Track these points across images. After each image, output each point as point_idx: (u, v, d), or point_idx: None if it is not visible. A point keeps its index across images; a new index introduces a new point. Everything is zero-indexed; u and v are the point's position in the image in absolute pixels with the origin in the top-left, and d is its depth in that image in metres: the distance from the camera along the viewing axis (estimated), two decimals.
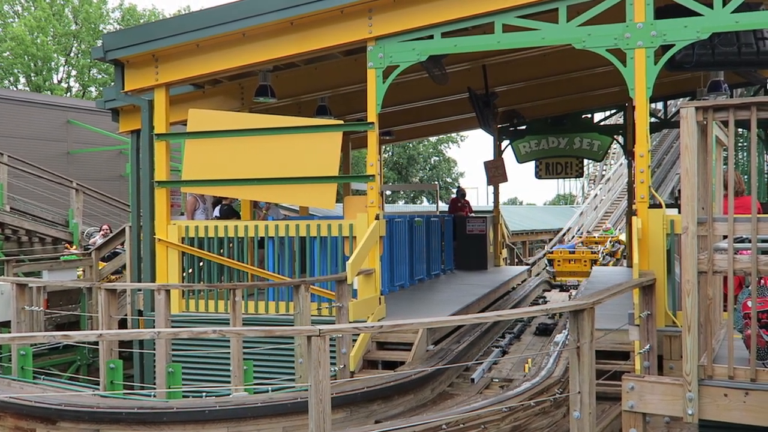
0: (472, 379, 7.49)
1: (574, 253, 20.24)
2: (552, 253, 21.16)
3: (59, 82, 38.98)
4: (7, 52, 35.94)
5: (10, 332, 8.69)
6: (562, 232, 28.94)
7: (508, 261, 18.48)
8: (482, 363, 8.05)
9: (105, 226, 15.18)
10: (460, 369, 7.84)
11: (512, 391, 6.42)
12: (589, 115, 16.27)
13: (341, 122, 9.43)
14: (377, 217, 8.21)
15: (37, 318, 8.98)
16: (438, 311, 9.24)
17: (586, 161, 17.95)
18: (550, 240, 29.68)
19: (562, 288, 16.82)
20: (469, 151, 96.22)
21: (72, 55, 39.00)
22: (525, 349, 9.04)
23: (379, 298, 8.40)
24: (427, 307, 9.78)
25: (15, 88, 36.11)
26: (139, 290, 9.98)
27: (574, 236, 27.89)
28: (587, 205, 32.36)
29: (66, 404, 6.09)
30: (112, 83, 10.20)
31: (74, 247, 14.90)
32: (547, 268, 20.21)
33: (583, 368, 4.52)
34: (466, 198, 16.98)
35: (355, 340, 7.79)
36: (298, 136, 8.63)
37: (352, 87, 11.68)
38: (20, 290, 8.44)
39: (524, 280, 15.21)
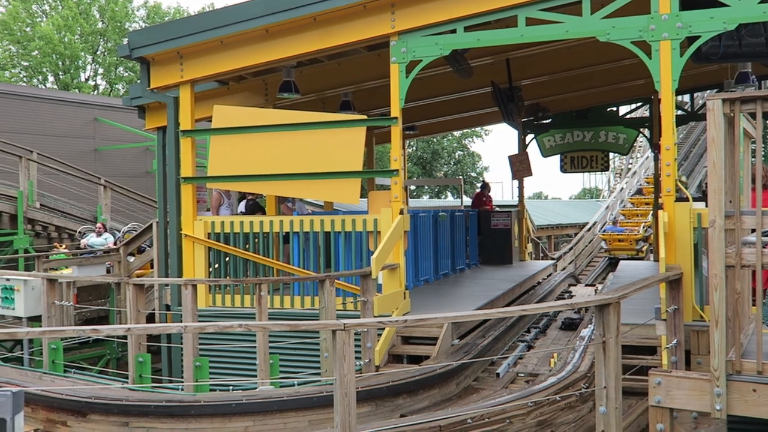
0: (498, 374, 7.47)
1: (622, 233, 25.60)
2: (605, 233, 26.37)
3: (86, 80, 39.48)
4: (36, 51, 36.49)
5: (41, 326, 8.85)
6: (587, 227, 28.73)
7: (534, 255, 18.40)
8: (507, 357, 8.03)
9: (99, 225, 15.20)
10: (486, 363, 7.83)
11: (538, 386, 6.39)
12: (614, 108, 16.09)
13: (365, 117, 9.46)
14: (401, 212, 8.22)
15: (67, 312, 9.14)
16: (463, 306, 9.23)
17: (611, 155, 17.79)
18: (576, 234, 29.46)
19: (601, 278, 17.02)
20: (494, 145, 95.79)
21: (99, 53, 39.49)
22: (550, 344, 9.00)
23: (404, 293, 8.41)
24: (452, 301, 9.77)
25: (44, 87, 36.65)
26: (167, 285, 10.09)
27: (617, 210, 29.85)
28: (613, 198, 32.04)
29: (96, 397, 6.19)
30: (138, 81, 10.31)
31: (64, 246, 14.97)
32: (602, 244, 26.22)
33: (609, 363, 4.50)
34: (490, 192, 16.92)
35: (380, 335, 7.81)
36: (322, 131, 8.66)
37: (375, 82, 11.69)
38: (50, 285, 8.59)
39: (550, 275, 15.12)
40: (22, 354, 10.32)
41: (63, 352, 8.35)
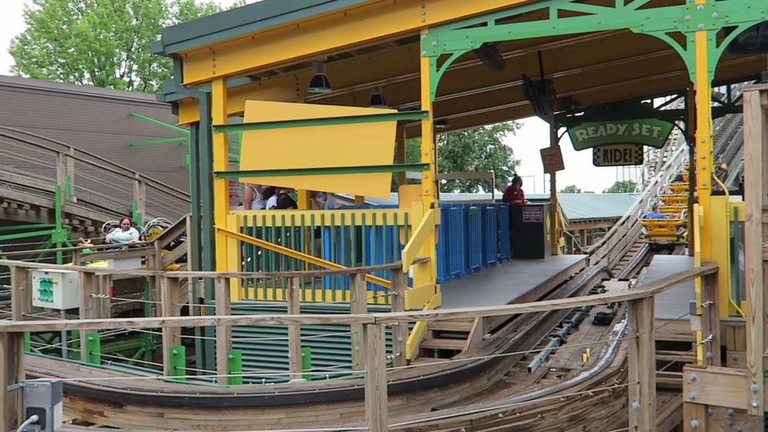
0: (529, 369, 7.44)
1: (663, 219, 26.20)
2: (645, 219, 26.88)
3: (121, 76, 40.06)
4: (72, 49, 37.12)
5: (78, 319, 9.03)
6: (621, 220, 28.42)
7: (566, 250, 18.23)
8: (539, 352, 7.99)
9: (126, 220, 15.22)
10: (517, 358, 7.80)
11: (570, 381, 6.35)
12: (649, 101, 15.85)
13: (395, 111, 9.45)
14: (432, 206, 8.21)
15: (104, 305, 9.31)
16: (494, 300, 9.20)
17: (645, 148, 17.54)
18: (609, 228, 29.15)
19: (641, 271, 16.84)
20: (526, 138, 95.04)
21: (133, 49, 40.02)
22: (583, 339, 8.93)
23: (435, 287, 8.41)
24: (483, 295, 9.75)
25: (80, 84, 37.28)
26: (200, 279, 10.22)
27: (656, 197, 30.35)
28: (647, 192, 31.59)
29: (132, 388, 6.30)
30: (172, 77, 10.44)
31: (89, 240, 15.06)
32: (642, 230, 26.76)
33: (642, 358, 4.45)
34: (521, 186, 16.80)
35: (411, 329, 7.82)
36: (352, 125, 8.68)
37: (406, 76, 11.67)
38: (87, 279, 8.75)
39: (582, 269, 14.98)
40: (61, 345, 10.54)
41: (100, 344, 8.51)
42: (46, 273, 10.49)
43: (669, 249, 25.10)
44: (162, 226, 15.48)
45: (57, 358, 8.85)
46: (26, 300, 9.79)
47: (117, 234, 14.66)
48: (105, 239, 14.82)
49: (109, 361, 8.82)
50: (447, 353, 7.85)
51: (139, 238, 14.62)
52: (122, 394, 6.26)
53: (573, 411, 5.68)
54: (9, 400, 3.85)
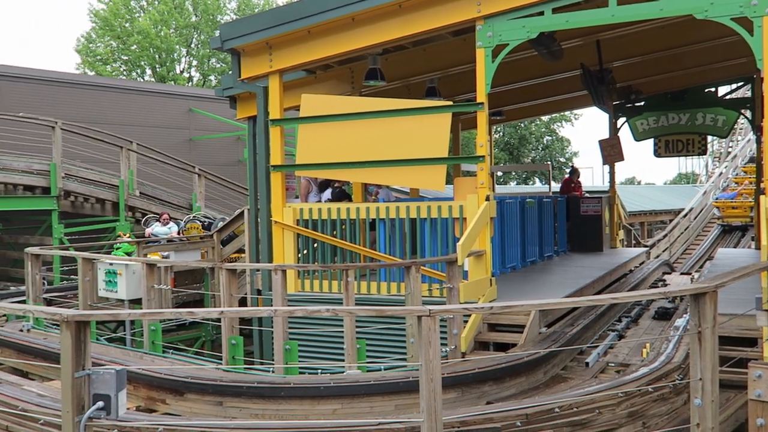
0: (587, 363, 7.33)
1: (734, 200, 26.00)
2: (717, 200, 26.87)
3: (181, 72, 40.94)
4: (135, 46, 38.11)
5: (141, 309, 9.29)
6: (683, 213, 27.69)
7: (625, 243, 17.86)
8: (597, 346, 7.86)
9: (165, 215, 15.34)
10: (574, 352, 7.69)
11: (629, 376, 6.24)
12: (713, 89, 15.36)
13: (450, 103, 9.41)
14: (487, 198, 8.16)
15: (165, 296, 9.55)
16: (551, 293, 9.09)
17: (709, 138, 17.02)
18: (671, 221, 28.42)
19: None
20: (584, 129, 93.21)
21: (193, 46, 40.84)
22: (643, 334, 8.74)
23: (490, 280, 8.35)
24: (540, 289, 9.64)
25: (142, 80, 38.26)
26: (258, 270, 10.38)
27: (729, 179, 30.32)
28: (711, 183, 30.67)
29: (192, 377, 6.46)
30: (230, 72, 10.61)
31: (127, 234, 15.25)
32: (714, 212, 27.01)
33: (705, 354, 4.34)
34: (579, 178, 16.52)
35: (466, 322, 7.80)
36: (407, 118, 8.67)
37: (461, 67, 11.60)
38: (150, 270, 9.00)
39: (642, 263, 14.66)
40: (125, 335, 10.88)
41: (162, 334, 8.75)
42: (111, 264, 10.82)
43: (742, 230, 24.76)
44: (200, 221, 15.64)
45: (121, 347, 9.13)
46: (92, 290, 10.12)
47: (156, 228, 14.83)
48: (145, 233, 15.04)
49: (171, 351, 9.05)
50: (502, 347, 7.80)
51: (178, 233, 14.73)
52: (183, 382, 6.42)
53: (632, 407, 5.58)
54: (77, 386, 4.00)
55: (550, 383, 6.83)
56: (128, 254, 13.95)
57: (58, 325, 5.10)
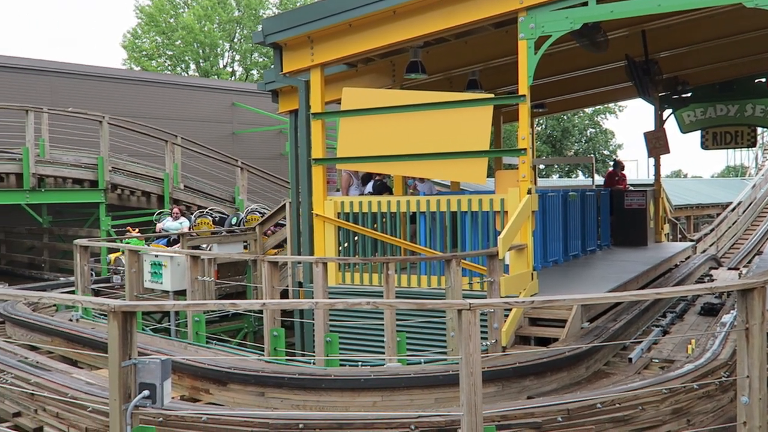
0: (630, 359, 7.23)
1: None
2: None
3: (224, 66, 41.42)
4: (179, 41, 38.69)
5: (185, 300, 9.46)
6: (731, 206, 27.00)
7: (671, 237, 17.53)
8: (641, 342, 7.75)
9: (176, 210, 15.24)
10: (617, 348, 7.59)
11: (673, 373, 6.14)
12: (763, 79, 14.94)
13: (492, 96, 9.34)
14: (529, 192, 8.09)
15: (209, 287, 9.71)
16: (593, 288, 8.98)
17: (759, 129, 16.58)
18: (718, 215, 27.77)
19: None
20: (628, 121, 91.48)
21: (235, 40, 41.28)
22: (688, 330, 8.59)
23: (532, 274, 8.29)
24: (582, 283, 9.53)
25: (186, 75, 38.83)
26: (299, 263, 10.48)
27: None
28: (761, 176, 29.86)
29: (235, 368, 6.57)
30: (272, 66, 10.70)
31: (136, 230, 15.25)
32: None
33: (752, 351, 4.25)
34: (624, 171, 16.26)
35: (506, 316, 7.76)
36: (448, 111, 8.64)
37: (503, 59, 11.50)
38: (194, 262, 9.15)
39: (688, 258, 14.38)
40: (169, 325, 11.09)
41: (205, 325, 8.89)
42: (156, 256, 11.04)
43: None
44: (212, 215, 15.65)
45: (166, 337, 9.32)
46: (138, 281, 10.35)
47: (167, 223, 14.79)
48: (155, 228, 14.95)
49: (214, 341, 9.20)
50: (544, 341, 7.74)
51: (189, 228, 14.65)
52: (226, 373, 6.53)
53: (676, 404, 5.49)
54: (123, 375, 4.10)
55: (592, 379, 6.76)
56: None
57: (105, 316, 5.24)
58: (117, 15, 70.85)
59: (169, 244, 14.28)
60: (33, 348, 8.90)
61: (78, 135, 17.46)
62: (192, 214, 16.22)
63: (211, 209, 16.45)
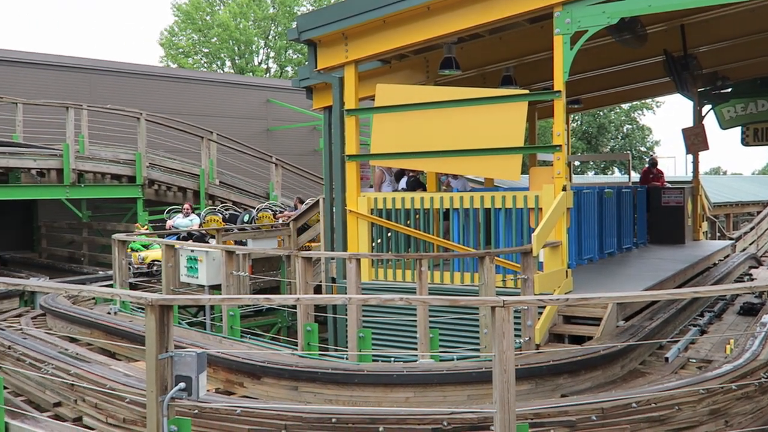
0: (666, 358, 7.13)
1: None
2: None
3: (259, 63, 41.75)
4: (215, 38, 39.10)
5: (221, 294, 9.57)
6: None
7: (709, 235, 17.23)
8: (678, 341, 7.64)
9: (186, 206, 15.09)
10: (653, 347, 7.49)
11: (711, 373, 6.04)
12: None
13: (526, 92, 9.27)
14: (564, 189, 8.01)
15: (243, 282, 9.81)
16: (629, 286, 8.87)
17: None
18: (759, 213, 27.20)
19: None
20: (666, 117, 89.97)
21: (270, 37, 41.57)
22: (726, 329, 8.44)
23: (566, 271, 8.21)
24: (617, 281, 9.42)
25: (222, 72, 39.23)
26: (332, 259, 10.53)
27: None
28: None
29: (269, 362, 6.63)
30: (306, 63, 10.76)
31: (145, 227, 15.22)
32: None
33: None
34: (659, 167, 16.00)
35: (540, 313, 7.70)
36: (482, 107, 8.60)
37: (537, 55, 11.40)
38: (229, 257, 9.25)
39: (727, 256, 14.11)
40: (205, 319, 11.23)
41: (240, 319, 8.99)
42: (192, 251, 11.17)
43: None
44: (222, 213, 15.63)
45: (201, 331, 9.45)
46: (174, 276, 10.50)
47: (177, 220, 14.77)
48: (166, 225, 14.92)
49: (248, 336, 9.29)
50: (578, 339, 7.67)
51: (200, 225, 14.61)
52: (261, 367, 6.60)
53: (714, 404, 5.41)
54: (160, 367, 4.17)
55: (627, 378, 6.69)
56: (145, 246, 14.07)
57: (143, 309, 5.33)
58: (155, 13, 71.87)
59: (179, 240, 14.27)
60: (73, 340, 9.09)
61: (116, 131, 17.78)
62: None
63: (223, 206, 16.53)
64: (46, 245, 18.99)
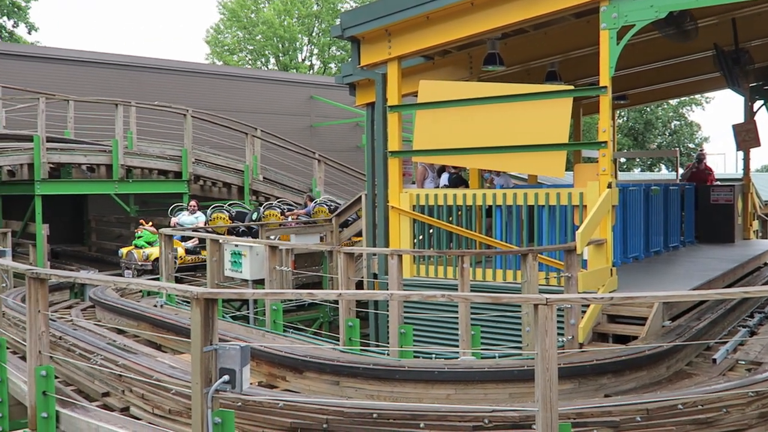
0: (714, 360, 6.98)
1: None
2: None
3: (303, 60, 42.04)
4: (260, 35, 39.51)
5: (264, 289, 9.68)
6: None
7: (760, 234, 16.77)
8: (726, 343, 7.46)
9: (192, 203, 14.76)
10: (700, 348, 7.34)
11: (761, 375, 5.88)
12: None
13: (572, 88, 9.14)
14: (609, 186, 7.90)
15: (286, 277, 9.90)
16: (676, 285, 8.70)
17: None
18: None
19: None
20: (716, 113, 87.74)
21: (314, 34, 41.82)
22: None
23: (611, 270, 8.10)
24: (664, 280, 9.24)
25: (266, 68, 39.62)
26: (374, 255, 10.56)
27: None
28: None
29: (311, 356, 6.68)
30: (350, 59, 10.80)
31: (150, 223, 15.21)
32: None
33: None
34: (707, 163, 15.61)
35: (584, 312, 7.61)
36: (526, 103, 8.51)
37: (583, 50, 11.25)
38: (272, 252, 9.34)
39: None
40: (248, 313, 11.38)
41: (282, 313, 9.08)
42: (236, 246, 11.33)
43: None
44: (228, 211, 15.45)
45: (245, 325, 9.57)
46: (219, 270, 10.65)
47: (182, 218, 14.57)
48: (170, 222, 14.73)
49: (290, 330, 9.38)
50: (622, 339, 7.56)
51: (205, 223, 14.45)
52: (303, 361, 6.65)
53: (763, 407, 5.26)
54: (205, 360, 4.24)
55: (673, 379, 6.56)
56: (150, 243, 13.97)
57: (188, 302, 5.43)
58: (201, 12, 72.92)
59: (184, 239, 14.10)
60: (120, 331, 9.30)
61: (163, 128, 18.10)
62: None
63: (231, 203, 16.51)
64: (96, 239, 19.42)
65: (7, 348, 6.63)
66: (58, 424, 5.55)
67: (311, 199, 15.94)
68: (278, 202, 16.74)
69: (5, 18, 31.70)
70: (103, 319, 10.29)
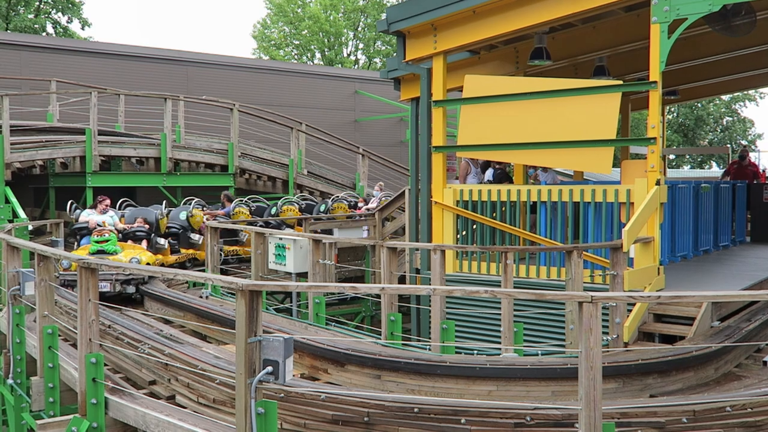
0: (765, 362, 6.80)
1: None
2: None
3: (348, 55, 42.18)
4: (306, 30, 39.76)
5: (307, 282, 9.76)
6: None
7: None
8: None
9: (105, 200, 12.96)
10: (750, 350, 7.16)
11: None
12: None
13: (620, 83, 8.99)
14: (658, 183, 7.75)
15: (329, 271, 9.96)
16: (725, 285, 8.50)
17: None
18: None
19: None
20: None
21: (359, 29, 41.90)
22: None
23: (658, 268, 7.95)
24: (712, 280, 9.03)
25: (311, 63, 39.87)
26: (417, 250, 10.55)
27: None
28: None
29: (353, 350, 6.72)
30: (395, 54, 10.79)
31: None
32: None
33: None
34: (751, 159, 15.18)
35: (630, 311, 7.49)
36: (573, 98, 8.40)
37: (632, 45, 11.03)
38: (316, 245, 9.41)
39: None
40: (291, 305, 11.49)
41: (325, 307, 9.15)
42: (281, 239, 11.43)
43: None
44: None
45: (288, 317, 9.66)
46: (263, 262, 10.78)
47: (90, 216, 12.49)
48: (75, 220, 12.89)
49: (333, 323, 9.44)
50: (669, 339, 7.42)
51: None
52: (344, 354, 6.69)
53: None
54: (249, 351, 4.30)
55: (721, 380, 6.42)
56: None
57: (233, 294, 5.52)
58: (248, 7, 73.71)
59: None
60: (167, 321, 9.48)
61: (211, 122, 18.37)
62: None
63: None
64: None
65: (59, 336, 6.82)
66: (106, 410, 5.69)
67: (229, 199, 14.97)
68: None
69: (60, 14, 32.56)
70: (150, 309, 10.50)
